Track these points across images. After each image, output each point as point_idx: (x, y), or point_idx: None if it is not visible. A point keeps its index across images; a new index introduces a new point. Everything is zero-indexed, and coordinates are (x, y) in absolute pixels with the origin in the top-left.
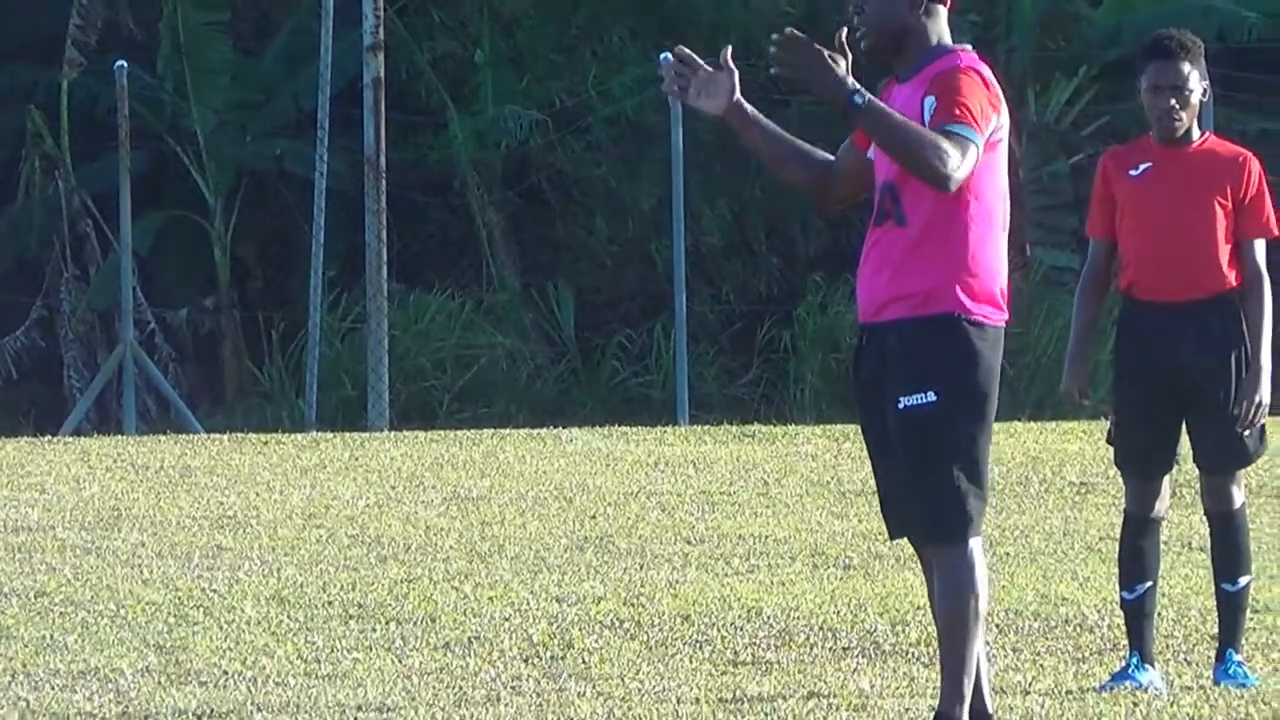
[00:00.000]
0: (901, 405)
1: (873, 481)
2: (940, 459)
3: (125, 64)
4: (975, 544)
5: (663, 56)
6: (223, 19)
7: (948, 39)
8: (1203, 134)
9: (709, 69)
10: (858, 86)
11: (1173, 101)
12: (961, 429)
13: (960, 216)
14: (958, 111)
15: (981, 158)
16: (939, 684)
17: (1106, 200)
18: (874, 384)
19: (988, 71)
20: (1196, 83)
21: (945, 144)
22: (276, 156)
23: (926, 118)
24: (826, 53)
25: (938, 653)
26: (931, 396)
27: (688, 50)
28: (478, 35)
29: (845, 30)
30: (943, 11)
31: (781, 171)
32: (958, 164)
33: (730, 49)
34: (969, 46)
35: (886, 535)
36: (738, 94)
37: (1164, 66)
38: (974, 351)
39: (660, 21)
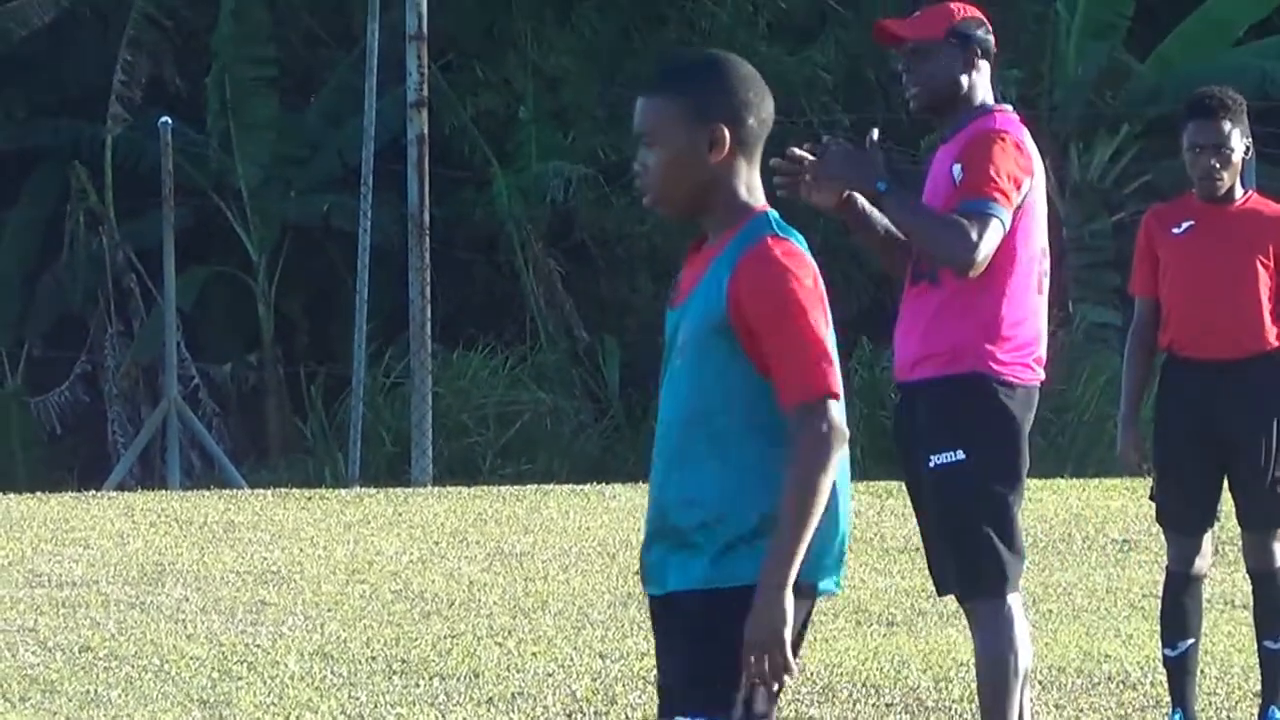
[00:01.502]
0: (931, 464)
1: (917, 538)
2: (970, 517)
3: (169, 119)
4: (1013, 600)
5: (772, 161)
6: (269, 74)
7: (990, 98)
8: (1246, 192)
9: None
10: (884, 173)
11: (1213, 161)
12: (991, 487)
13: (993, 276)
14: (985, 187)
15: (1011, 224)
16: None
17: (1150, 258)
18: (908, 447)
19: (1022, 134)
20: (1238, 141)
21: (966, 227)
22: (322, 213)
23: (956, 182)
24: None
25: (979, 710)
26: (960, 455)
27: (796, 150)
28: (521, 92)
29: (875, 131)
30: (987, 69)
31: (894, 267)
32: (978, 247)
33: (876, 131)
34: (1009, 106)
35: (934, 591)
36: (849, 190)
37: (1204, 125)
38: (1003, 410)
39: None
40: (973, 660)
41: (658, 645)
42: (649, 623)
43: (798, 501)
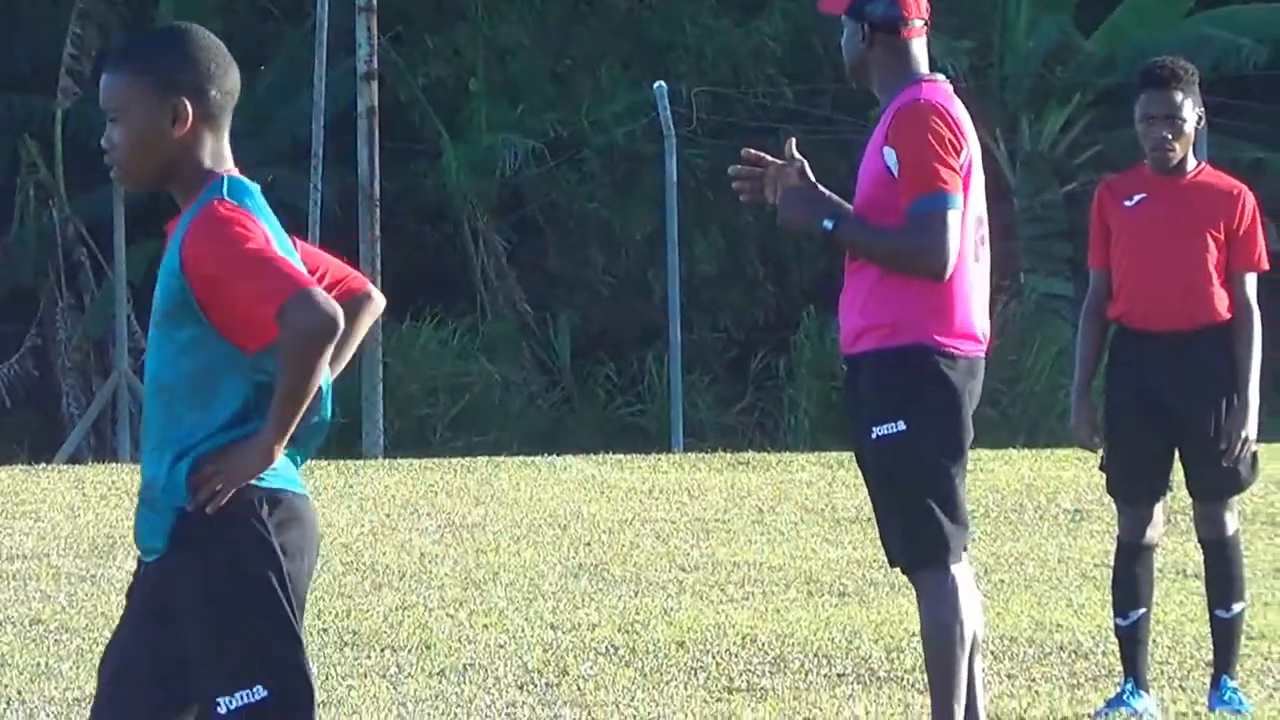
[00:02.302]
0: (874, 435)
1: (868, 509)
2: (911, 487)
3: None
4: (957, 570)
5: (731, 169)
6: None
7: (920, 68)
8: (1198, 164)
9: (777, 163)
10: (825, 211)
11: (1166, 132)
12: (932, 458)
13: None
14: (930, 178)
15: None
16: (930, 710)
17: (1103, 230)
18: (855, 414)
19: (951, 104)
20: (1190, 111)
21: (925, 238)
22: (270, 185)
23: (894, 171)
24: (777, 165)
25: (930, 676)
26: (902, 426)
27: (754, 150)
28: (471, 64)
29: (793, 141)
30: (902, 42)
31: None
32: (945, 251)
33: (794, 140)
34: (940, 76)
35: (885, 561)
36: (813, 182)
37: (1156, 95)
38: (945, 381)
39: (650, 52)
40: (970, 620)
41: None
42: (599, 594)
43: (293, 384)
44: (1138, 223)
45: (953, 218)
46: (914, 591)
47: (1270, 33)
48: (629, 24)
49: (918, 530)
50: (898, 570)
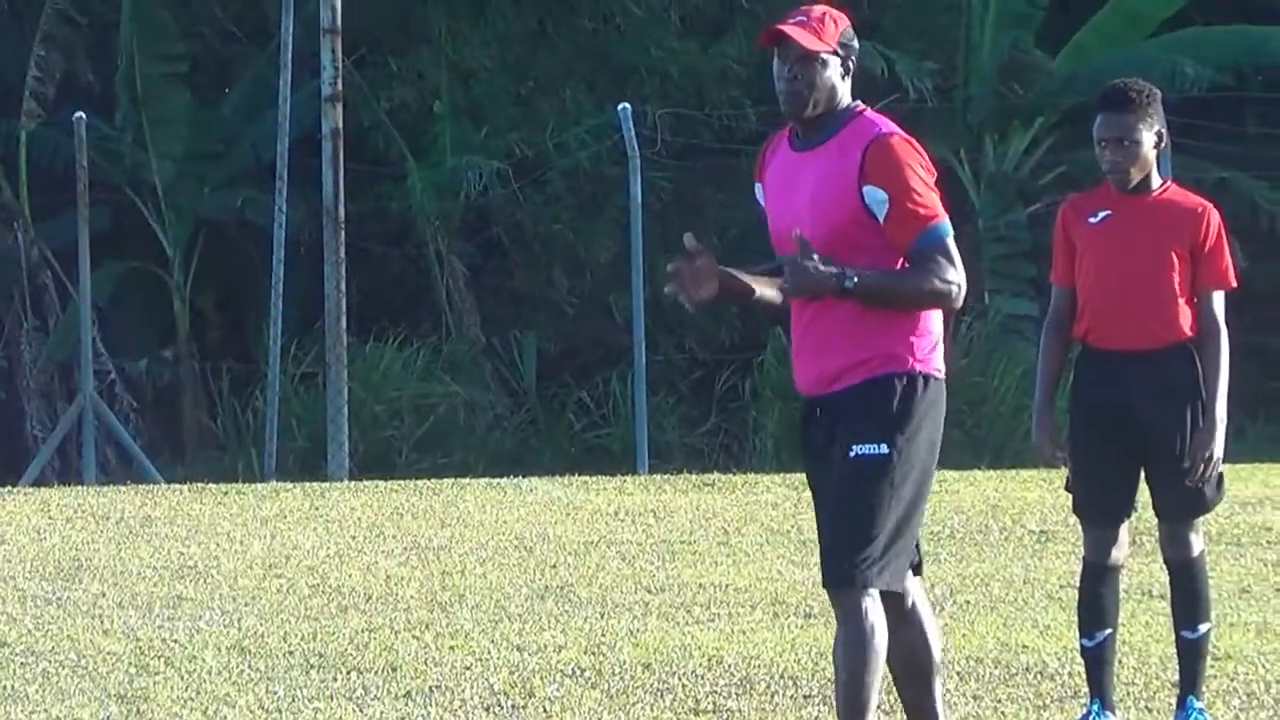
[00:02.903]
0: (853, 453)
1: None
2: (880, 511)
3: (84, 115)
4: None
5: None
6: (180, 70)
7: (848, 98)
8: (1164, 182)
9: (688, 263)
10: (841, 269)
11: (1118, 156)
12: (907, 483)
13: None
14: (923, 212)
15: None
16: None
17: (1067, 247)
18: (825, 450)
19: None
20: (1146, 134)
21: (938, 272)
22: (236, 207)
23: (880, 213)
24: (689, 266)
25: (838, 698)
26: (884, 449)
27: (690, 238)
28: (436, 86)
29: (690, 235)
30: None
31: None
32: (958, 282)
33: (690, 235)
34: (863, 104)
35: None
36: (722, 272)
37: (1109, 119)
38: (933, 406)
39: (615, 74)
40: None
41: None
42: (566, 616)
43: None
44: (1102, 240)
45: (953, 244)
46: (841, 612)
47: (1232, 56)
48: (593, 46)
49: (878, 553)
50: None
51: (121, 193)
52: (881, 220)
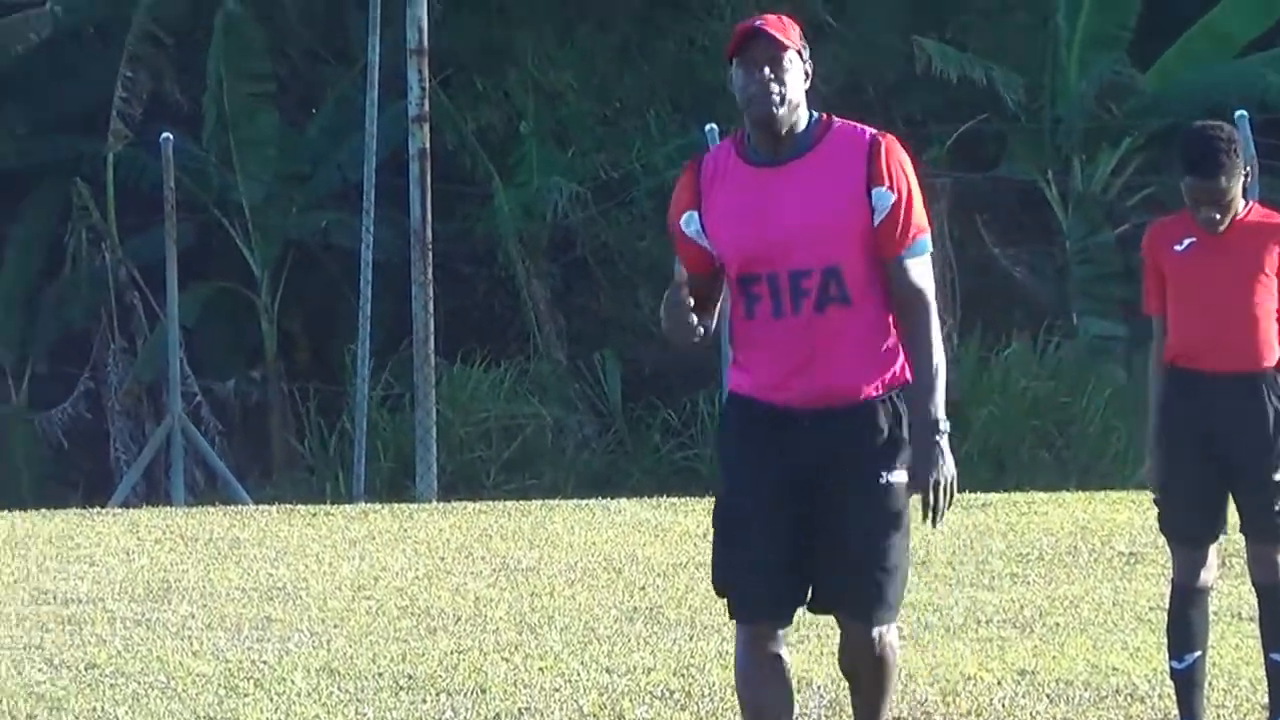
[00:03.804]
0: (884, 480)
1: (922, 552)
2: (903, 537)
3: (170, 136)
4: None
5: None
6: (268, 90)
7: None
8: (1247, 205)
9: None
10: (934, 423)
11: (1214, 214)
12: (907, 511)
13: (886, 290)
14: (918, 221)
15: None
16: None
17: (1157, 276)
18: (812, 465)
19: None
20: (1236, 185)
21: (928, 301)
22: (322, 228)
23: (879, 215)
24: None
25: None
26: (904, 476)
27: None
28: (522, 107)
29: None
30: None
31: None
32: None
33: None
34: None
35: (939, 606)
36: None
37: (1199, 185)
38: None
39: (700, 94)
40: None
41: None
42: (655, 637)
43: None
44: (1189, 267)
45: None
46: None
47: None
48: (678, 67)
49: (897, 581)
50: (952, 614)
51: (208, 213)
52: (878, 222)
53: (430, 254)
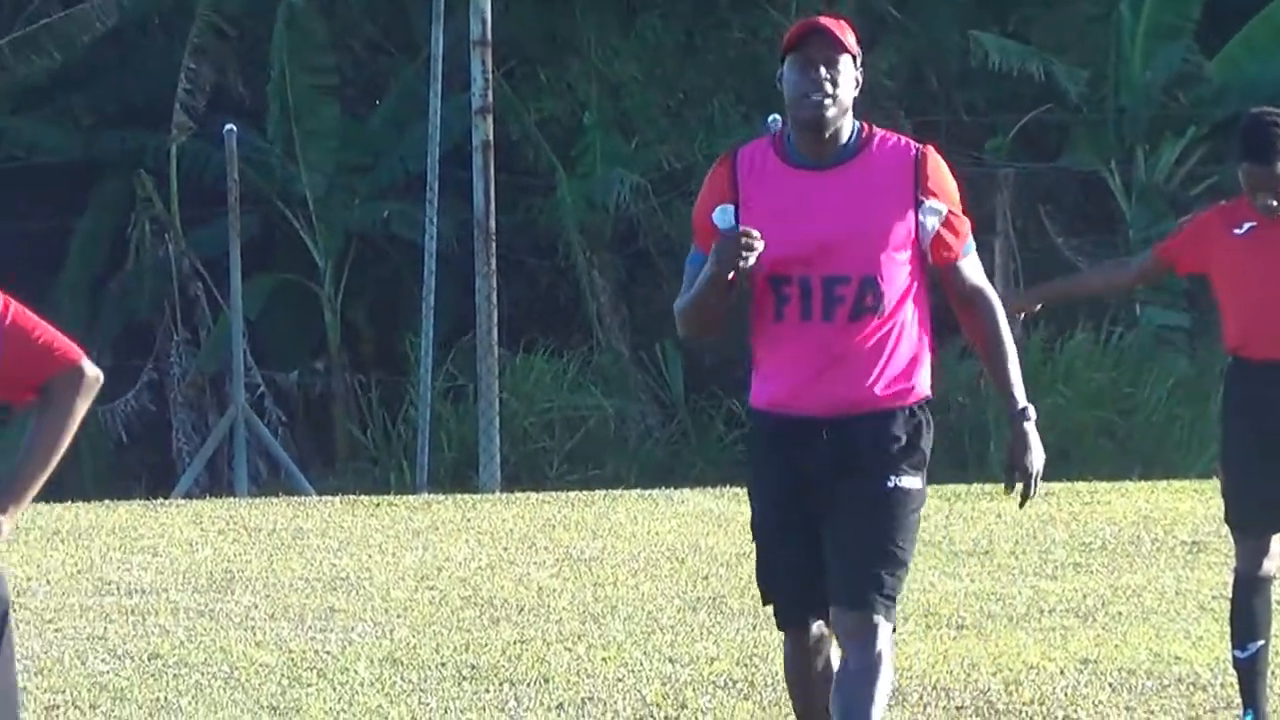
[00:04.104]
0: (891, 483)
1: (986, 541)
2: (910, 540)
3: (234, 127)
4: None
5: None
6: (330, 82)
7: None
8: None
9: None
10: (1018, 408)
11: (1268, 199)
12: (919, 515)
13: (919, 301)
14: (967, 227)
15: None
16: None
17: (1196, 242)
18: (830, 475)
19: None
20: None
21: (994, 295)
22: (385, 219)
23: (932, 225)
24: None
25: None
26: (919, 483)
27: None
28: (585, 98)
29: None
30: None
31: (712, 328)
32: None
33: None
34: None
35: (1001, 595)
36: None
37: (1256, 171)
38: (932, 434)
39: (764, 85)
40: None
41: None
42: (718, 627)
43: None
44: (1248, 251)
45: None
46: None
47: None
48: (742, 58)
49: (899, 582)
50: (1015, 603)
51: (272, 204)
52: (930, 232)
53: (493, 245)
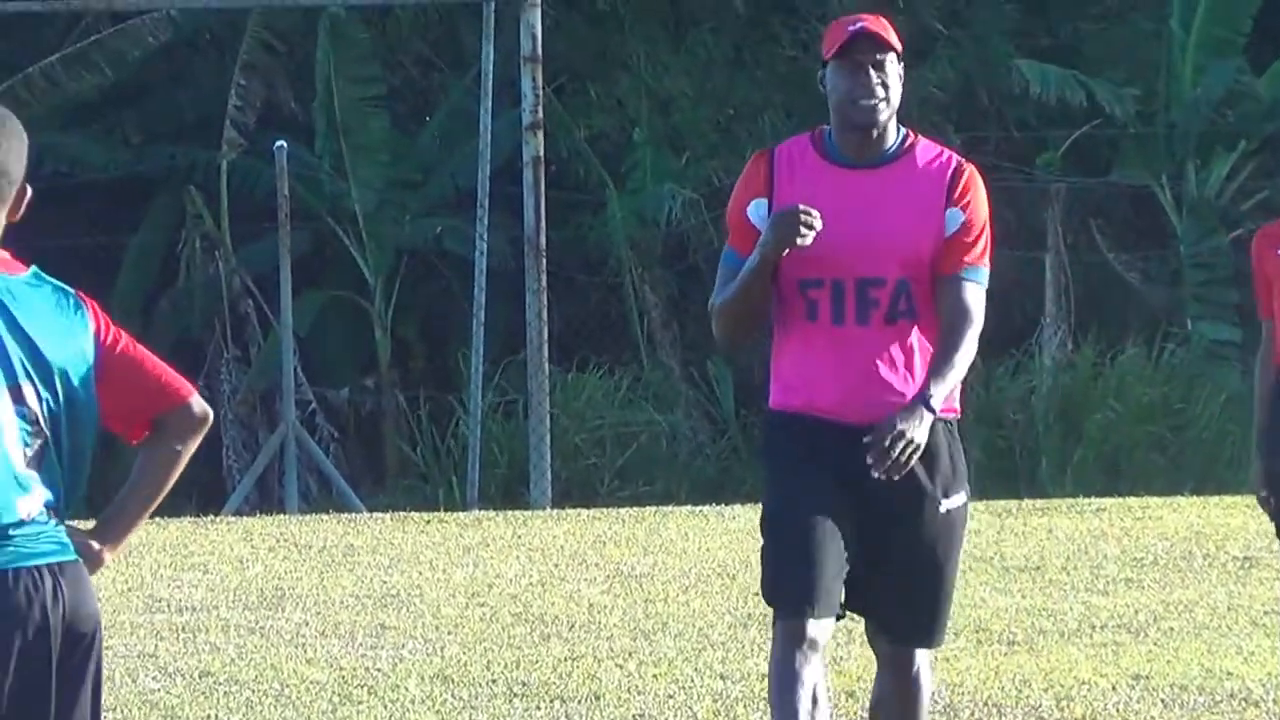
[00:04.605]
0: (944, 509)
1: (1037, 557)
2: (957, 563)
3: (284, 143)
4: None
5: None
6: (379, 94)
7: None
8: None
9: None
10: (923, 399)
11: None
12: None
13: (937, 312)
14: (982, 249)
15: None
16: None
17: (1264, 281)
18: (876, 491)
19: None
20: None
21: (975, 325)
22: (436, 235)
23: (950, 231)
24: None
25: None
26: (964, 498)
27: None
28: (635, 114)
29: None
30: None
31: (753, 323)
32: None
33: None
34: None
35: (1052, 611)
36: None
37: None
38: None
39: (813, 100)
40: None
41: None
42: (768, 645)
43: (166, 483)
44: None
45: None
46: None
47: None
48: (792, 73)
49: (948, 607)
50: (1066, 619)
51: (322, 221)
52: (944, 239)
53: (544, 261)
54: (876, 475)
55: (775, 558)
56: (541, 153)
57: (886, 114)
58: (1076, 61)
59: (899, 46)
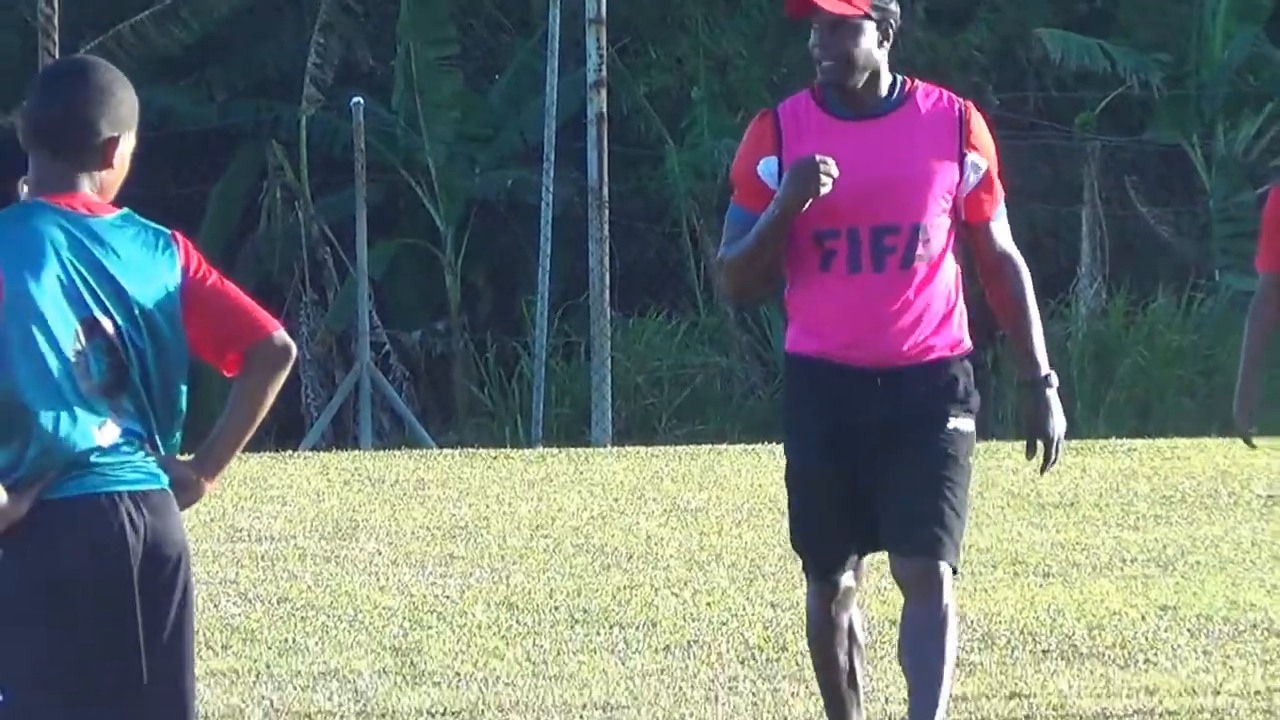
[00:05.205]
0: (951, 426)
1: (1073, 493)
2: (967, 483)
3: (361, 100)
4: None
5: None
6: (453, 53)
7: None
8: None
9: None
10: (1040, 375)
11: None
12: (972, 459)
13: (957, 255)
14: (1000, 185)
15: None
16: (913, 705)
17: (1276, 232)
18: (882, 422)
19: None
20: None
21: (1021, 263)
22: (506, 187)
23: (972, 180)
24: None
25: (941, 679)
26: (972, 426)
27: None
28: (693, 73)
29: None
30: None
31: (769, 277)
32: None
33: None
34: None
35: (1086, 545)
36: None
37: None
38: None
39: None
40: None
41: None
42: None
43: (257, 415)
44: None
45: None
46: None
47: None
48: None
49: (958, 525)
50: (1098, 552)
51: (396, 173)
52: (970, 188)
53: (606, 211)
54: (1041, 475)
55: (799, 519)
56: (605, 109)
57: (850, 74)
58: (1109, 28)
59: (841, 12)
